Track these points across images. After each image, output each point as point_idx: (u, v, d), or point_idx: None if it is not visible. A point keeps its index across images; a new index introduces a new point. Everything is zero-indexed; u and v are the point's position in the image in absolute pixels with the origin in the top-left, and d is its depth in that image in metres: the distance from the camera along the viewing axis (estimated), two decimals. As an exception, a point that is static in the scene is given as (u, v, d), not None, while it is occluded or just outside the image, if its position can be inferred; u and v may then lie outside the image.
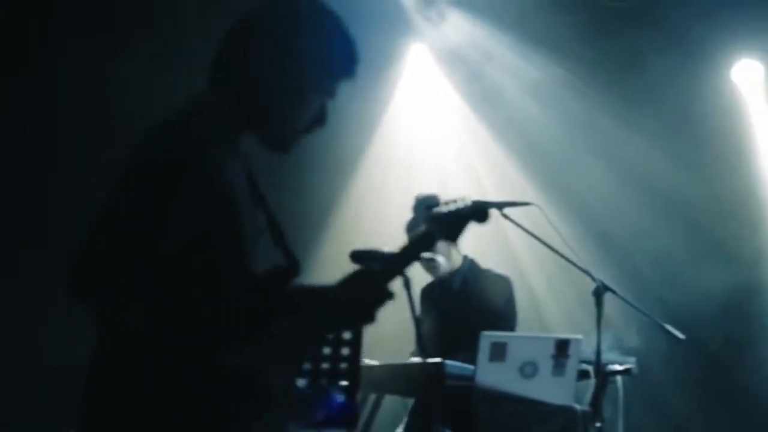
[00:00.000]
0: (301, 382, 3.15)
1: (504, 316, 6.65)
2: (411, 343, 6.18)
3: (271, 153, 3.17)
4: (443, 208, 3.36)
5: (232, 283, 2.96)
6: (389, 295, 3.17)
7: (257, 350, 2.94)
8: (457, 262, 6.82)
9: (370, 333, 5.47)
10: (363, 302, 3.14)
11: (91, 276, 2.77)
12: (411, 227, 6.61)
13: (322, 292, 3.16)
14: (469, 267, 6.84)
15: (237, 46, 3.11)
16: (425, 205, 6.55)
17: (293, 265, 3.18)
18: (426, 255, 5.21)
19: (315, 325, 3.11)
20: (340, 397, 3.15)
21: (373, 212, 8.23)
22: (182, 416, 2.83)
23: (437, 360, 5.78)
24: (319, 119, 3.18)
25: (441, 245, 6.54)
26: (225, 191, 2.95)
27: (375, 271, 3.17)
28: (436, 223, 3.32)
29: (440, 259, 6.73)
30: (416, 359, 6.09)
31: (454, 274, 6.79)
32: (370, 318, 3.16)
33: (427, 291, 6.92)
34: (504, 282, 6.80)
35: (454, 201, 3.39)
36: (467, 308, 6.61)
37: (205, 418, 2.84)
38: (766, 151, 9.18)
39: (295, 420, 3.08)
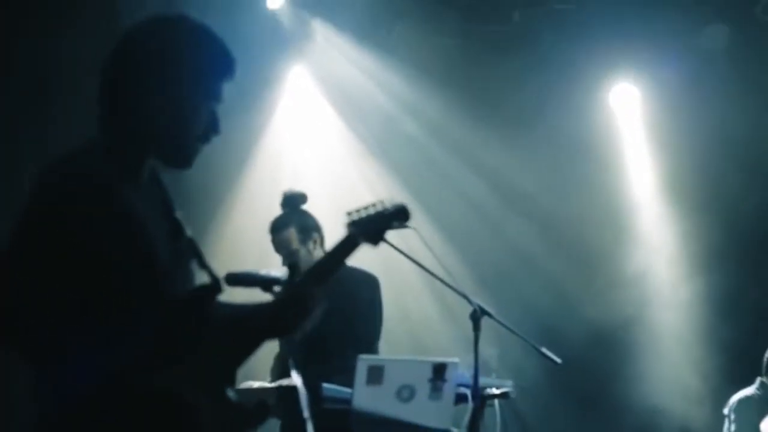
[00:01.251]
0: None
1: (372, 316, 6.55)
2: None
3: (175, 170, 3.17)
4: (363, 213, 3.32)
5: (149, 307, 2.94)
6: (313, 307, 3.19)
7: (184, 371, 2.91)
8: (317, 256, 6.64)
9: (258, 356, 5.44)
10: (290, 317, 3.17)
11: (5, 327, 2.77)
12: (279, 225, 6.52)
13: (252, 310, 3.19)
14: None
15: (116, 77, 3.09)
16: (293, 203, 6.51)
17: (215, 284, 3.15)
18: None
19: (244, 340, 3.10)
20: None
21: (252, 231, 8.17)
22: None
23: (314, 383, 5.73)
24: (213, 126, 3.15)
25: (302, 247, 6.51)
26: (126, 221, 2.93)
27: (303, 286, 3.20)
28: (357, 227, 3.29)
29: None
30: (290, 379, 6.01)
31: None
32: (295, 330, 3.20)
33: None
34: (370, 280, 6.67)
35: (373, 205, 3.39)
36: (331, 307, 6.43)
37: None
38: (635, 171, 9.33)
39: None
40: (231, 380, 3.08)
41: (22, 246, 2.81)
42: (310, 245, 6.59)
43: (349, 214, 3.34)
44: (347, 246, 3.29)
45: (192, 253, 3.18)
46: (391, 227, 3.40)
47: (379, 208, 3.39)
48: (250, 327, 3.14)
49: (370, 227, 3.34)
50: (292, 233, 6.59)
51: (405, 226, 3.44)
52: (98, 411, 2.80)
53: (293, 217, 6.62)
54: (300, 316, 3.18)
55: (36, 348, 2.79)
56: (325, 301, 3.23)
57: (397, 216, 3.39)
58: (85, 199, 2.86)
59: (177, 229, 3.17)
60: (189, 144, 3.12)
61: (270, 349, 6.54)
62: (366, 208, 3.37)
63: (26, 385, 2.95)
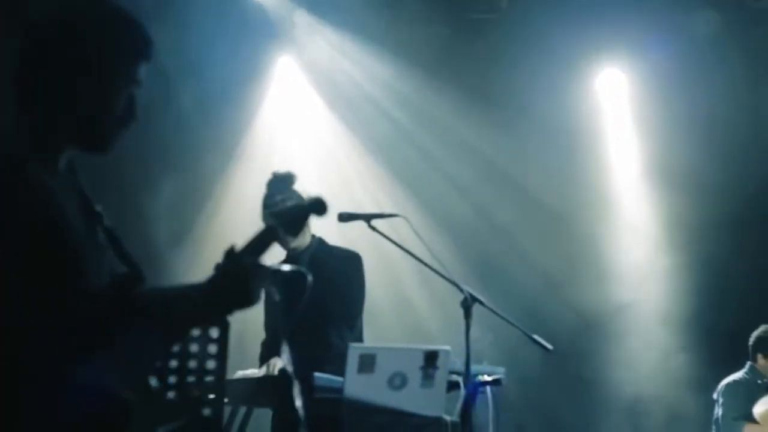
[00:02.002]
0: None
1: (352, 293, 6.54)
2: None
3: (92, 156, 3.12)
4: (281, 204, 3.38)
5: (68, 296, 2.90)
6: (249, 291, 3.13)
7: (107, 362, 2.90)
8: (306, 240, 6.65)
9: (242, 344, 5.45)
10: (221, 296, 3.11)
11: None
12: (268, 203, 6.49)
13: (178, 292, 3.15)
14: (318, 244, 6.64)
15: (29, 65, 3.04)
16: (284, 183, 6.51)
17: (136, 273, 3.15)
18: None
19: (173, 324, 3.09)
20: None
21: (239, 218, 8.16)
22: None
23: (306, 372, 5.75)
24: (132, 111, 3.11)
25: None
26: (43, 211, 2.89)
27: (226, 269, 3.12)
28: (277, 219, 3.32)
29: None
30: (276, 361, 6.02)
31: (302, 252, 6.53)
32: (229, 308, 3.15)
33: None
34: (353, 258, 6.65)
35: (289, 197, 3.42)
36: (315, 286, 6.42)
37: None
38: (620, 156, 9.34)
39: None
40: (156, 370, 3.10)
41: None
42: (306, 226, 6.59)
43: (266, 206, 3.37)
44: (267, 237, 3.25)
45: (111, 242, 3.16)
46: (307, 218, 3.40)
47: (298, 201, 3.43)
48: (180, 308, 3.11)
49: (287, 220, 3.36)
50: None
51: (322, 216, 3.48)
52: (24, 408, 2.79)
53: (286, 195, 6.61)
54: (236, 292, 3.13)
55: None
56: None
57: (313, 208, 3.38)
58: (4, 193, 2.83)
59: (94, 218, 3.13)
60: (109, 129, 3.08)
61: (257, 336, 6.57)
62: (283, 200, 3.42)
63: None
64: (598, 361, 9.04)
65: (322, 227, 6.71)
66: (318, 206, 3.41)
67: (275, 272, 5.16)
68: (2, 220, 2.81)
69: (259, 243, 3.24)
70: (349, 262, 6.61)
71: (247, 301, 3.15)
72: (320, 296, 6.36)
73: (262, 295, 3.20)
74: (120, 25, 3.09)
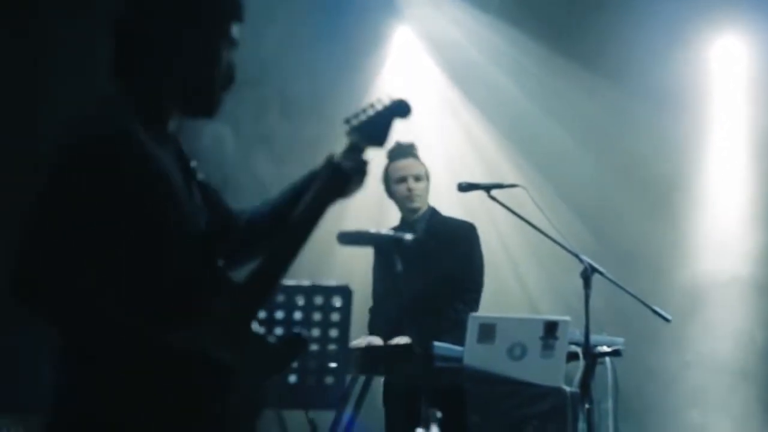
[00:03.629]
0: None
1: (473, 265, 6.50)
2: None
3: (200, 119, 3.15)
4: (362, 116, 3.26)
5: (180, 263, 2.95)
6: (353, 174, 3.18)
7: (208, 320, 2.92)
8: (424, 206, 6.58)
9: (360, 315, 5.50)
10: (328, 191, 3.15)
11: (37, 282, 2.77)
12: (401, 151, 6.54)
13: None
14: (432, 213, 6.61)
15: (128, 33, 3.05)
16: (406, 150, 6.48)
17: (233, 221, 3.21)
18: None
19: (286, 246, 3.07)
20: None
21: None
22: (145, 410, 2.82)
23: (426, 341, 5.77)
24: (231, 74, 3.11)
25: (425, 190, 6.50)
26: (156, 176, 2.92)
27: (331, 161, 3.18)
28: (358, 131, 3.23)
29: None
30: (401, 339, 6.05)
31: (417, 220, 6.54)
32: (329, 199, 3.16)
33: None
34: (470, 228, 6.61)
35: (370, 106, 3.29)
36: (431, 257, 6.42)
37: (169, 409, 2.83)
38: (729, 131, 9.07)
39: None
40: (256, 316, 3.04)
41: (46, 203, 2.80)
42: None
43: (347, 121, 3.24)
44: (353, 154, 3.21)
45: (214, 196, 3.20)
46: (391, 125, 3.28)
47: (378, 107, 3.28)
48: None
49: (372, 129, 3.25)
50: (421, 166, 6.61)
51: (405, 117, 3.35)
52: (123, 379, 2.81)
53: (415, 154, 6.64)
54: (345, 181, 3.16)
55: (64, 307, 2.77)
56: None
57: (398, 111, 3.30)
58: (103, 145, 2.85)
59: (193, 178, 3.13)
60: (214, 91, 3.08)
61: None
62: (364, 111, 3.27)
63: (51, 353, 2.95)
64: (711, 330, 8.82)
65: (438, 196, 6.74)
66: (400, 108, 3.32)
67: (397, 240, 5.19)
68: (109, 194, 2.82)
69: (354, 151, 3.20)
70: (466, 234, 6.59)
71: (354, 186, 3.19)
72: (439, 266, 6.41)
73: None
74: None
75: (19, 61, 7.21)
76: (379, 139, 3.26)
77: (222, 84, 3.09)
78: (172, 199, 2.96)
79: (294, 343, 3.07)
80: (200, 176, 3.17)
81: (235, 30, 3.11)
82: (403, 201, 6.53)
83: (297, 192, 3.23)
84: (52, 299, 2.77)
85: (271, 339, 3.02)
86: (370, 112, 3.27)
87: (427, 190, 6.56)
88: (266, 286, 3.05)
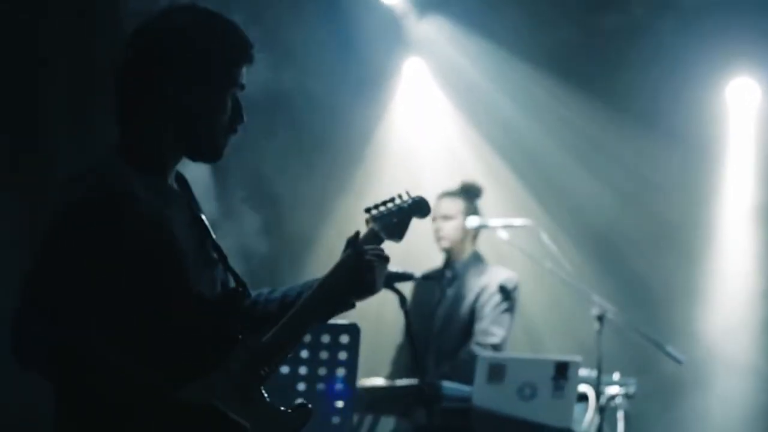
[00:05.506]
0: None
1: (500, 310, 6.46)
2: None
3: (206, 163, 3.13)
4: (383, 208, 3.26)
5: (175, 310, 2.90)
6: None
7: (217, 378, 2.89)
8: (467, 250, 6.63)
9: (369, 353, 5.44)
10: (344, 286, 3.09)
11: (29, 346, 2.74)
12: (449, 192, 6.62)
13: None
14: (475, 258, 6.64)
15: (136, 78, 2.99)
16: (469, 192, 6.51)
17: (241, 287, 3.12)
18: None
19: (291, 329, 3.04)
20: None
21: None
22: None
23: (434, 382, 5.73)
24: (239, 114, 3.05)
25: (455, 230, 6.49)
26: (153, 234, 2.87)
27: (346, 258, 3.12)
28: (379, 223, 3.23)
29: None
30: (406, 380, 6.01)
31: (460, 263, 6.58)
32: (345, 299, 3.12)
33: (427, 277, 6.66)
34: (509, 280, 6.55)
35: (392, 200, 3.31)
36: (465, 300, 6.42)
37: None
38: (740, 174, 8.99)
39: None
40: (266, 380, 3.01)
41: (46, 261, 2.76)
42: (468, 236, 6.58)
43: (368, 210, 3.25)
44: (371, 242, 3.18)
45: (218, 257, 3.12)
46: (409, 221, 3.30)
47: (398, 202, 3.31)
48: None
49: (392, 223, 3.25)
50: (460, 206, 6.60)
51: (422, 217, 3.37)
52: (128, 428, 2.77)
53: (464, 197, 6.64)
54: (357, 280, 3.09)
55: (62, 363, 2.74)
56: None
57: (417, 210, 3.33)
58: (101, 207, 2.80)
59: (203, 232, 3.10)
60: (220, 136, 3.03)
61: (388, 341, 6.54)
62: (385, 203, 3.28)
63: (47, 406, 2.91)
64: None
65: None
66: (421, 207, 3.35)
67: (410, 278, 5.15)
68: (106, 247, 2.78)
69: (369, 245, 3.18)
70: (505, 284, 6.52)
71: (366, 291, 3.11)
72: (469, 312, 6.40)
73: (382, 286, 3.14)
74: (224, 31, 3.04)
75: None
76: (397, 234, 3.28)
77: (229, 128, 3.05)
78: (175, 255, 2.91)
79: (301, 414, 3.02)
80: (214, 237, 3.13)
81: (243, 72, 3.07)
82: (437, 242, 6.55)
83: (306, 285, 3.20)
84: (53, 350, 2.72)
85: (280, 407, 2.98)
86: (392, 207, 3.30)
87: (458, 230, 6.54)
88: (278, 352, 3.02)
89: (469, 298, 6.43)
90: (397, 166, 8.63)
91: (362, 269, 3.08)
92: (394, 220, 3.27)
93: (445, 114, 8.89)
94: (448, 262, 6.59)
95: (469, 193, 6.66)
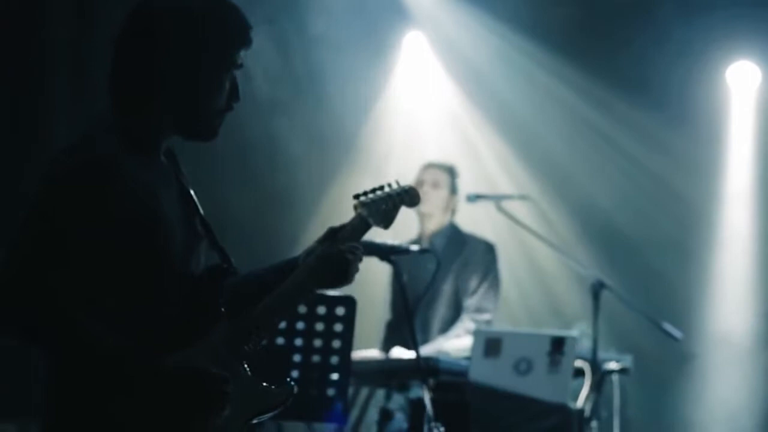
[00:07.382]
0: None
1: (487, 285, 6.50)
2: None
3: (200, 142, 3.10)
4: (372, 195, 3.30)
5: (158, 285, 2.91)
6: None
7: (191, 353, 2.90)
8: (444, 221, 6.64)
9: (363, 325, 5.43)
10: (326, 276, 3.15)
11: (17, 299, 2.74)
12: (436, 163, 6.71)
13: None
14: (453, 230, 6.65)
15: (132, 54, 2.99)
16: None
17: (227, 263, 3.13)
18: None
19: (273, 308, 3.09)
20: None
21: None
22: (136, 425, 2.81)
23: (431, 355, 5.72)
24: (235, 94, 3.06)
25: (441, 199, 6.51)
26: (140, 203, 2.88)
27: (324, 252, 3.17)
28: (368, 209, 3.27)
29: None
30: (400, 350, 6.01)
31: (437, 234, 6.59)
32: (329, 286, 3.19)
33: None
34: (489, 249, 6.61)
35: (381, 187, 3.34)
36: (448, 272, 6.43)
37: (159, 423, 2.83)
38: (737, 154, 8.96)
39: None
40: (248, 356, 3.05)
41: (29, 230, 2.78)
42: (449, 209, 6.61)
43: (356, 196, 3.28)
44: (359, 229, 3.24)
45: (205, 233, 3.12)
46: (397, 210, 3.34)
47: (388, 190, 3.35)
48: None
49: (380, 210, 3.29)
50: (444, 177, 6.62)
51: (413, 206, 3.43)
52: (112, 395, 2.80)
53: (449, 173, 6.66)
54: (334, 274, 3.15)
55: (46, 334, 2.76)
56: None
57: (405, 198, 3.36)
58: (89, 173, 2.82)
59: (192, 206, 3.10)
60: (215, 114, 3.04)
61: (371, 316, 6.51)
62: (374, 190, 3.32)
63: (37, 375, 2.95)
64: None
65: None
66: (410, 196, 3.39)
67: (406, 251, 5.13)
68: (92, 212, 2.80)
69: (356, 230, 3.22)
70: (486, 253, 6.55)
71: (341, 282, 3.17)
72: (454, 283, 6.40)
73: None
74: (224, 13, 3.05)
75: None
76: (385, 221, 3.32)
77: (225, 107, 3.06)
78: (161, 225, 2.92)
79: (282, 392, 3.06)
80: (202, 211, 3.13)
81: (242, 55, 3.07)
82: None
83: (286, 267, 3.22)
84: (33, 311, 2.74)
85: (262, 383, 3.02)
86: (381, 194, 3.33)
87: (444, 200, 6.57)
88: (260, 330, 3.05)
89: (453, 269, 6.44)
90: (397, 146, 8.64)
91: (341, 264, 3.13)
92: (383, 207, 3.30)
93: (445, 88, 8.88)
94: (424, 233, 6.61)
95: (453, 171, 6.69)
